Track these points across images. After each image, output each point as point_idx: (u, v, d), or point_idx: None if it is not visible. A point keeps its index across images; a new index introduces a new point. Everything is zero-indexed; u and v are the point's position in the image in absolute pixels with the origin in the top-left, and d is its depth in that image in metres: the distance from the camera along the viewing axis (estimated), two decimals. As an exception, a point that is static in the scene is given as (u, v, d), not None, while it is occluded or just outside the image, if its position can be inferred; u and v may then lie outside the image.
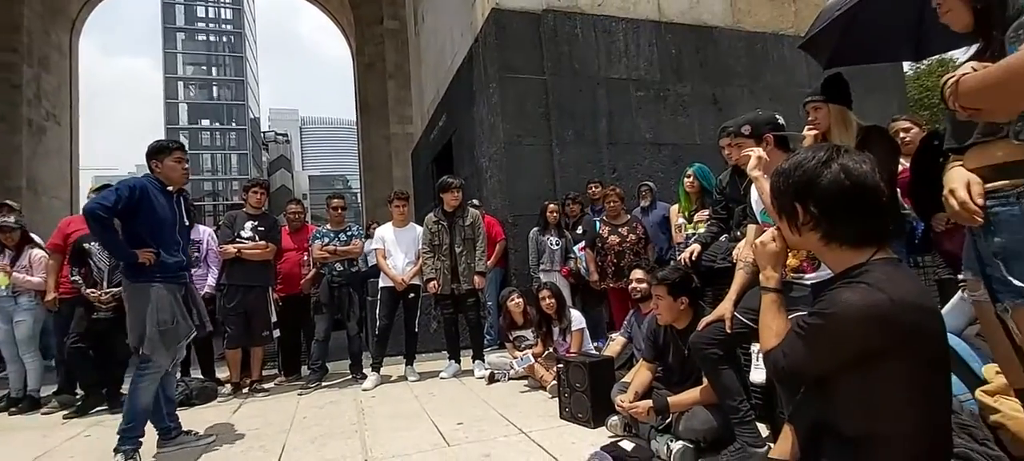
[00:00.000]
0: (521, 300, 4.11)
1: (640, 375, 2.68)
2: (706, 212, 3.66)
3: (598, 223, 4.74)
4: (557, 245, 4.96)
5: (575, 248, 4.89)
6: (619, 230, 4.54)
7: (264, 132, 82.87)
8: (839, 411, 1.10)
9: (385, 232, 4.56)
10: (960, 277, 1.27)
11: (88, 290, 3.72)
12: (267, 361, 4.74)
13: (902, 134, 3.01)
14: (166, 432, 2.84)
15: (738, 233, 3.00)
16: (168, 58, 65.77)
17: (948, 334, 1.72)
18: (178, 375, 3.52)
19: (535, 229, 5.12)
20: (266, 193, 4.49)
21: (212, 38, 69.06)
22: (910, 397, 1.03)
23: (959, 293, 1.69)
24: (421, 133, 10.96)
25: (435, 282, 4.27)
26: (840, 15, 2.34)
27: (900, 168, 2.62)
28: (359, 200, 29.02)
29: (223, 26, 69.65)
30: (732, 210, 3.18)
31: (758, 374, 2.28)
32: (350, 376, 4.46)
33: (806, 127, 2.48)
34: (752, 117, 2.23)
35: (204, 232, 4.53)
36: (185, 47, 67.07)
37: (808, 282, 1.95)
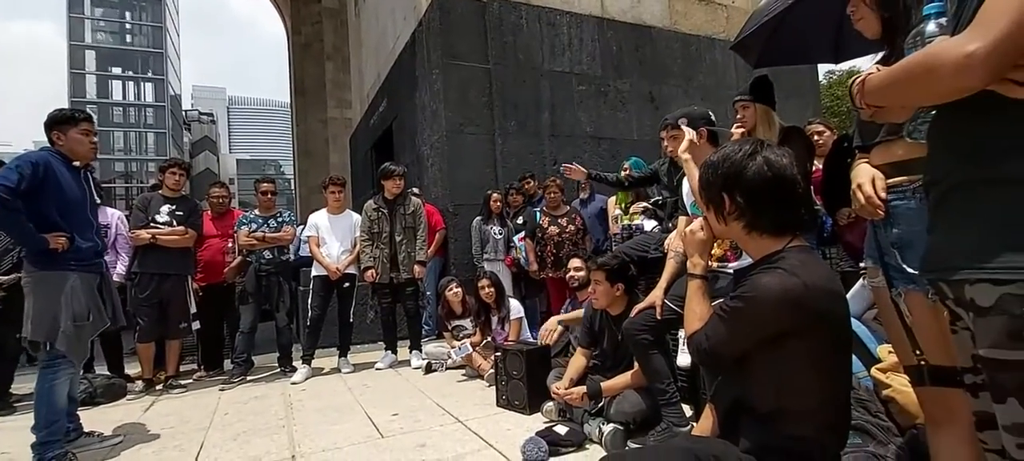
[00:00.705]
0: (460, 289, 4.09)
1: (576, 361, 2.74)
2: (641, 204, 3.79)
3: (538, 214, 4.78)
4: (500, 234, 4.96)
5: (515, 238, 4.92)
6: (559, 221, 4.60)
7: (186, 110, 76.94)
8: (754, 389, 1.18)
9: (319, 219, 4.38)
10: (861, 265, 1.38)
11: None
12: (185, 355, 4.41)
13: (816, 137, 3.26)
14: (64, 434, 2.58)
15: (670, 224, 3.14)
16: (73, 23, 59.33)
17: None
18: (81, 371, 3.20)
19: (478, 218, 5.10)
20: (185, 174, 4.16)
21: (126, 4, 63.05)
22: (816, 374, 1.12)
23: (860, 281, 1.85)
24: (360, 118, 10.60)
25: (373, 270, 4.15)
26: (769, 19, 2.49)
27: (813, 168, 2.84)
28: (293, 187, 27.69)
29: (139, -8, 63.76)
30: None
31: (683, 358, 2.39)
32: (278, 369, 4.26)
33: (734, 125, 2.63)
34: (689, 111, 2.34)
35: (112, 215, 4.14)
36: (94, 12, 60.80)
37: (731, 270, 2.06)
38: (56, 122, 2.52)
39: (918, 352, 1.20)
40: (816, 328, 1.11)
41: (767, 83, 2.58)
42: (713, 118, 2.33)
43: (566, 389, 2.55)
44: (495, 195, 5.06)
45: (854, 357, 1.74)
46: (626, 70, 6.59)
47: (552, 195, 4.67)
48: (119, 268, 3.98)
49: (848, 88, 1.06)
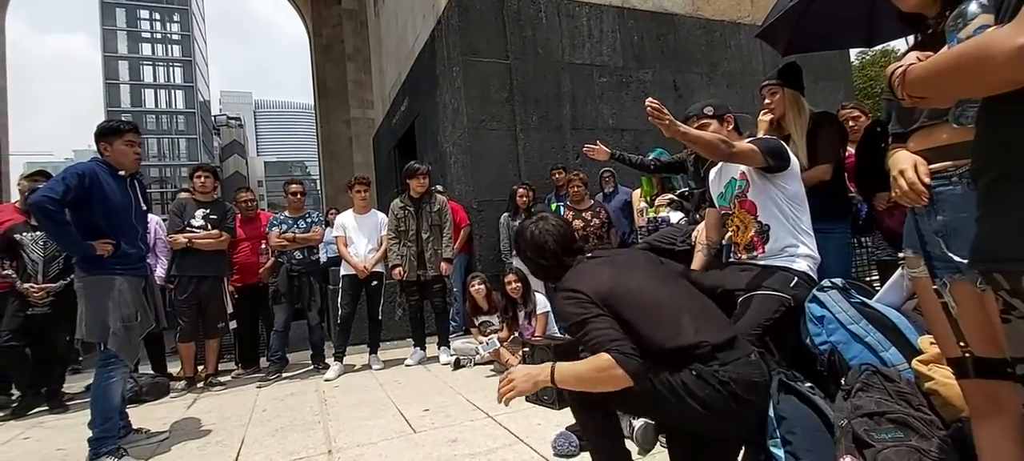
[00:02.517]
0: (483, 286, 4.12)
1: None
2: (667, 196, 3.75)
3: (561, 208, 4.77)
4: None
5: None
6: (583, 215, 4.58)
7: (215, 116, 79.08)
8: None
9: (346, 219, 4.46)
10: (900, 255, 1.34)
11: (23, 284, 3.48)
12: (223, 354, 4.57)
13: (851, 122, 3.16)
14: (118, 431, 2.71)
15: (697, 216, 3.09)
16: (106, 35, 61.55)
17: (889, 309, 1.83)
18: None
19: (506, 214, 5.11)
20: (213, 177, 4.28)
21: (156, 15, 65.04)
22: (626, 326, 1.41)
23: (898, 271, 1.79)
24: (383, 118, 10.72)
25: (401, 268, 4.22)
26: (796, 3, 2.43)
27: (846, 154, 2.76)
28: (318, 187, 28.21)
29: (168, 3, 65.62)
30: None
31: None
32: (312, 367, 4.37)
33: (762, 111, 2.57)
34: (714, 102, 2.31)
35: (152, 220, 4.28)
36: (126, 24, 62.90)
37: (760, 262, 2.03)
38: (103, 134, 2.64)
39: (963, 344, 1.16)
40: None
41: (796, 68, 2.52)
42: (731, 110, 2.31)
43: None
44: (521, 190, 5.05)
45: (894, 349, 1.69)
46: (648, 60, 6.50)
47: (575, 189, 4.65)
48: (159, 271, 4.14)
49: (887, 78, 1.02)
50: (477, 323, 4.18)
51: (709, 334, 1.40)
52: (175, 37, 65.50)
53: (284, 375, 4.21)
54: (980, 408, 1.19)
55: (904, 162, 1.21)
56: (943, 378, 1.49)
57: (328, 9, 20.15)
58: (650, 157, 4.01)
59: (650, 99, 1.81)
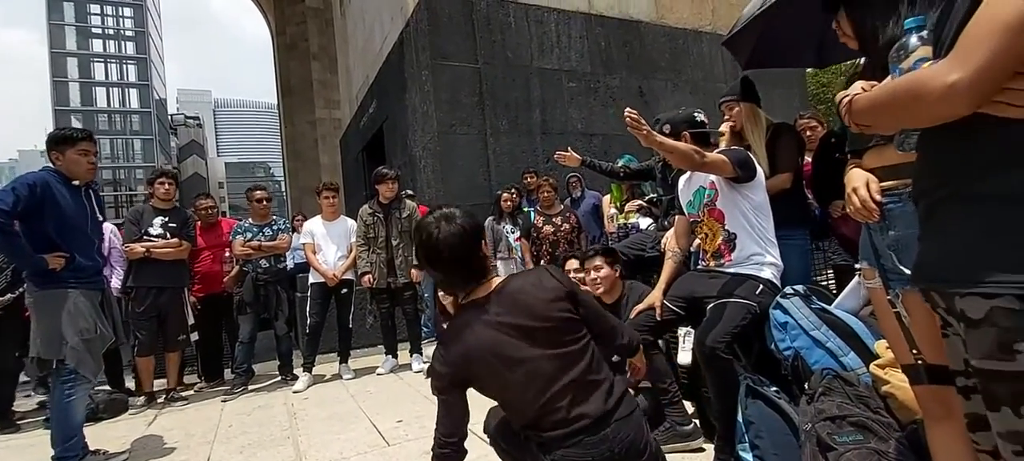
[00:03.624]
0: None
1: None
2: (636, 203, 3.82)
3: (532, 213, 4.80)
4: (513, 233, 4.95)
5: (511, 238, 4.93)
6: (553, 220, 4.62)
7: (172, 115, 76.01)
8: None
9: (314, 226, 4.36)
10: (857, 266, 1.41)
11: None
12: (185, 366, 4.40)
13: (808, 132, 3.30)
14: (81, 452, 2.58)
15: (666, 222, 3.16)
16: (54, 31, 58.32)
17: (847, 314, 1.92)
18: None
19: (490, 218, 5.09)
20: (175, 183, 4.12)
21: (108, 10, 62.03)
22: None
23: (855, 279, 1.88)
24: (350, 119, 10.54)
25: (370, 276, 4.16)
26: (759, 14, 2.51)
27: (804, 162, 2.88)
28: (283, 189, 27.49)
29: (120, -4, 62.67)
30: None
31: (684, 356, 2.43)
32: (279, 378, 4.26)
33: (723, 123, 2.66)
34: (671, 116, 2.37)
35: (106, 229, 4.08)
36: (75, 18, 59.76)
37: (730, 271, 2.10)
38: (55, 142, 2.52)
39: (915, 351, 1.23)
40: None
41: (749, 82, 2.62)
42: (700, 118, 2.36)
43: None
44: (505, 194, 5.04)
45: (853, 354, 1.78)
46: (615, 66, 6.61)
47: (546, 195, 4.68)
48: (115, 282, 3.95)
49: (836, 104, 1.08)
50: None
51: (589, 406, 1.28)
52: (128, 33, 62.60)
53: (250, 387, 4.09)
54: (933, 412, 1.26)
55: (857, 180, 1.28)
56: (898, 382, 1.57)
57: (292, 7, 19.65)
58: (619, 164, 4.08)
59: (629, 110, 1.85)
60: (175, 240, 3.85)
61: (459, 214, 1.36)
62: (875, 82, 1.06)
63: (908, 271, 1.19)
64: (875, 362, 1.70)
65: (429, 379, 1.39)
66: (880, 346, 1.72)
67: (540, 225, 4.64)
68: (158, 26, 70.72)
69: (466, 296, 1.39)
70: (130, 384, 4.17)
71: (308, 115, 19.61)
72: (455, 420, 1.36)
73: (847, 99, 0.97)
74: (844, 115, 0.99)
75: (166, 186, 3.99)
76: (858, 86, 0.98)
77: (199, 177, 68.17)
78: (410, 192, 5.73)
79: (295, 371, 4.22)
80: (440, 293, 4.07)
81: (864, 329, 1.82)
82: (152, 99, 61.84)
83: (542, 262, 4.57)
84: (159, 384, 4.02)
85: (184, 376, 4.34)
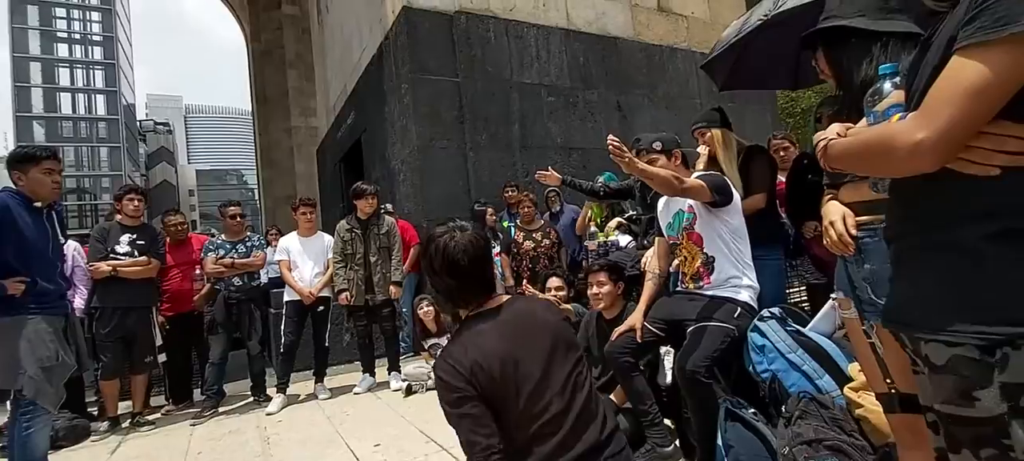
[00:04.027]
0: (431, 308, 4.07)
1: None
2: (616, 220, 3.85)
3: (512, 228, 4.80)
4: (493, 248, 4.93)
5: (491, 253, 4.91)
6: (533, 235, 4.63)
7: (141, 121, 73.89)
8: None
9: (290, 242, 4.27)
10: (833, 295, 1.44)
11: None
12: (152, 388, 4.24)
13: (781, 152, 3.39)
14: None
15: (645, 241, 3.20)
16: (16, 34, 56.18)
17: (822, 337, 1.96)
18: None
19: None
20: (144, 200, 3.99)
21: (74, 13, 60.12)
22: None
23: (830, 303, 1.93)
24: (327, 129, 10.41)
25: (347, 293, 4.08)
26: (736, 41, 2.58)
27: (778, 182, 2.95)
28: (256, 197, 26.93)
29: (88, 1, 60.81)
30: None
31: (666, 377, 2.45)
32: (252, 399, 4.13)
33: (698, 147, 2.72)
34: (663, 136, 2.41)
35: (69, 247, 3.93)
36: (40, 22, 57.71)
37: (708, 293, 2.13)
38: (16, 161, 2.41)
39: (889, 380, 1.26)
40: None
41: (719, 109, 2.69)
42: (679, 142, 2.41)
43: None
44: (490, 209, 5.04)
45: (828, 376, 1.81)
46: (593, 81, 6.68)
47: (526, 209, 4.69)
48: (78, 302, 3.79)
49: (813, 146, 1.11)
50: (427, 346, 4.12)
51: (587, 436, 1.27)
52: (96, 38, 60.68)
53: (220, 410, 3.96)
54: (905, 440, 1.29)
55: (833, 214, 1.31)
56: (871, 406, 1.60)
57: (267, 14, 19.36)
58: (599, 182, 4.11)
59: (611, 137, 1.87)
60: (143, 258, 3.73)
61: (468, 225, 1.37)
62: (850, 124, 1.09)
63: (883, 303, 1.23)
64: (849, 385, 1.74)
65: (440, 394, 1.27)
66: (853, 369, 1.76)
67: (520, 240, 4.64)
68: (127, 30, 68.83)
69: (475, 308, 1.36)
70: (94, 408, 3.99)
71: (283, 123, 19.28)
72: (489, 427, 1.22)
73: (823, 143, 1.00)
74: (820, 157, 1.02)
75: (136, 203, 3.85)
76: (834, 129, 1.01)
77: (169, 185, 66.38)
78: (389, 207, 5.67)
79: (268, 391, 4.10)
80: (419, 310, 4.04)
81: (838, 352, 1.86)
82: (120, 105, 59.97)
83: (524, 278, 4.56)
84: (124, 407, 3.87)
85: (151, 398, 4.18)
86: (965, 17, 0.74)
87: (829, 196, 1.38)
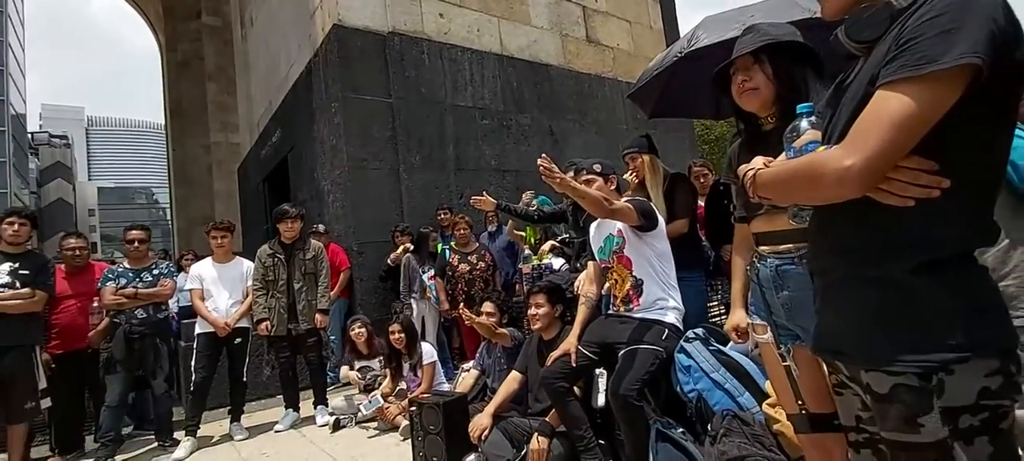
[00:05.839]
0: (364, 329, 3.94)
1: (507, 385, 2.78)
2: (549, 243, 3.90)
3: (447, 251, 4.73)
4: (426, 272, 4.82)
5: (424, 276, 4.81)
6: (468, 258, 4.59)
7: (33, 133, 66.36)
8: None
9: (203, 269, 3.94)
10: (748, 320, 1.52)
11: None
12: (33, 438, 3.72)
13: (701, 179, 3.61)
14: None
15: (578, 263, 3.26)
16: None
17: (741, 355, 2.06)
18: None
19: (408, 256, 4.91)
20: (29, 224, 3.54)
21: (-51, 11, 53.29)
22: None
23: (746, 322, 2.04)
24: (251, 147, 9.85)
25: (268, 322, 3.82)
26: (661, 73, 2.73)
27: (698, 207, 3.13)
28: (169, 217, 24.88)
29: (-33, -3, 54.18)
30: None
31: (599, 399, 2.48)
32: (156, 445, 3.73)
33: (628, 173, 2.84)
34: (603, 161, 2.50)
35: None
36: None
37: (637, 316, 2.19)
38: None
39: (800, 402, 1.34)
40: None
41: (648, 137, 2.83)
42: (615, 169, 2.50)
43: (492, 412, 2.67)
44: (433, 235, 4.96)
45: (748, 394, 1.91)
46: (526, 105, 6.82)
47: (461, 232, 4.64)
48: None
49: (740, 178, 1.15)
50: (357, 367, 3.96)
51: None
52: (-22, 39, 54.12)
53: (118, 459, 3.53)
54: (814, 457, 1.39)
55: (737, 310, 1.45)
56: (786, 421, 1.70)
57: (185, 23, 18.18)
58: (530, 201, 4.16)
59: (542, 156, 1.89)
60: (27, 290, 3.28)
61: None
62: (771, 158, 1.16)
63: (800, 327, 1.30)
64: (766, 402, 1.84)
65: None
66: (769, 386, 1.87)
67: (455, 263, 4.58)
68: (20, 35, 62.00)
69: None
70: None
71: (201, 138, 18.03)
72: None
73: (751, 173, 1.04)
74: (748, 187, 1.05)
75: (16, 227, 3.40)
76: (759, 161, 1.05)
77: (64, 203, 59.84)
78: (322, 228, 5.42)
79: (175, 435, 3.72)
80: (352, 332, 3.89)
81: (755, 370, 1.97)
82: (7, 115, 53.58)
83: (459, 301, 4.49)
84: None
85: (31, 450, 3.66)
86: (886, 58, 0.80)
87: (739, 230, 1.47)
